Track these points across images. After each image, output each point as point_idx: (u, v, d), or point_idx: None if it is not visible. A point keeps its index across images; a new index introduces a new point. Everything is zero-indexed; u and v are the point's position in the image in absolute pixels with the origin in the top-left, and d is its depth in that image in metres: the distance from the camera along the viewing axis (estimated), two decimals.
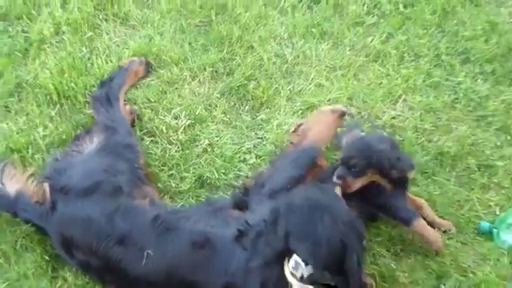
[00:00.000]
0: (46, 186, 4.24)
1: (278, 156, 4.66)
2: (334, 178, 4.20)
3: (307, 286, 3.55)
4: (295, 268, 3.52)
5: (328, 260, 3.52)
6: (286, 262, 3.61)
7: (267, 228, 3.76)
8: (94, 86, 4.99)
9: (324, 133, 4.58)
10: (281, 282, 3.62)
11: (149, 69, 5.18)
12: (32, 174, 4.48)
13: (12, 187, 4.35)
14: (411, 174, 4.42)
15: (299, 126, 4.75)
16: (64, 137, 4.75)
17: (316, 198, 3.72)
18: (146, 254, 3.87)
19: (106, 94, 4.78)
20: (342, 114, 4.70)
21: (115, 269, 3.94)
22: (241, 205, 4.26)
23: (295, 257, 3.54)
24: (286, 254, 3.62)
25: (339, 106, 4.80)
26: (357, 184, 4.20)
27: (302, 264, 3.50)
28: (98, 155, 4.41)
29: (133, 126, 4.87)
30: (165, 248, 3.91)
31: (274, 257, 3.66)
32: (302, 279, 3.52)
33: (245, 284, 3.75)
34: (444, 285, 4.32)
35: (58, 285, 4.19)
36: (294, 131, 4.75)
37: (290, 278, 3.57)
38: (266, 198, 4.14)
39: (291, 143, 4.70)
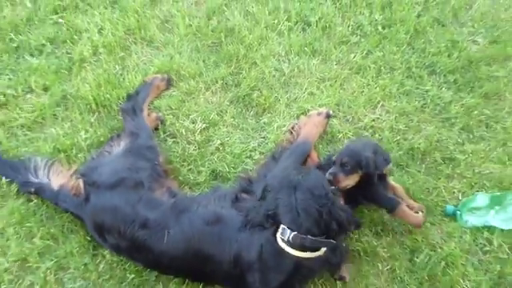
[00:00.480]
0: (81, 181, 4.37)
1: (277, 150, 4.74)
2: (327, 175, 4.27)
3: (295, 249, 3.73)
4: (283, 234, 3.70)
5: (307, 225, 3.70)
6: (278, 232, 3.77)
7: (259, 203, 3.97)
8: (124, 97, 5.03)
9: (313, 130, 4.79)
10: (274, 247, 3.80)
11: (169, 83, 5.22)
12: (75, 171, 4.56)
13: (57, 182, 4.47)
14: (389, 167, 4.54)
15: (293, 126, 4.89)
16: (102, 139, 4.81)
17: (295, 178, 3.87)
18: (166, 233, 4.01)
19: (132, 106, 4.85)
20: (327, 116, 4.94)
21: (141, 248, 4.06)
22: (247, 190, 4.39)
23: (282, 225, 3.72)
24: (277, 224, 3.80)
25: (324, 109, 4.99)
26: (346, 181, 4.27)
27: (288, 231, 3.68)
28: (123, 156, 4.50)
29: (157, 129, 4.94)
30: (182, 227, 4.04)
31: (267, 224, 3.85)
32: (289, 243, 3.70)
33: (248, 249, 3.90)
34: (417, 258, 4.41)
35: (97, 261, 4.28)
36: (290, 130, 4.88)
37: (280, 243, 3.75)
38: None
39: (287, 139, 4.81)
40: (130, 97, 4.97)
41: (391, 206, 4.43)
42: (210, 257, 4.00)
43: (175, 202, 4.26)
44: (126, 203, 4.16)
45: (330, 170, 4.30)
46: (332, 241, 3.81)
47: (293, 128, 4.90)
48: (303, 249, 3.75)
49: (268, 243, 3.87)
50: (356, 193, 4.33)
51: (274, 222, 3.83)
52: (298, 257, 3.77)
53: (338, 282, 4.28)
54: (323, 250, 3.80)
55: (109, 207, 4.18)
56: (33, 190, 4.45)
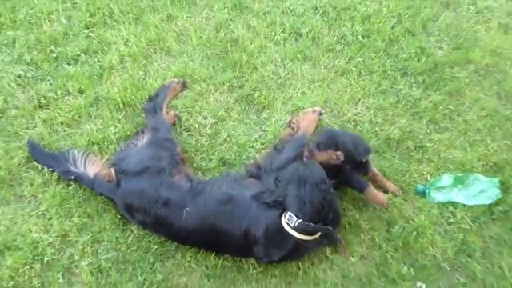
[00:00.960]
0: (113, 170, 4.44)
1: (278, 142, 4.78)
2: (305, 152, 4.45)
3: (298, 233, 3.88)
4: (290, 220, 3.87)
5: (311, 214, 3.86)
6: (283, 217, 3.90)
7: (271, 191, 4.09)
8: (147, 97, 5.07)
9: (309, 126, 4.82)
10: (279, 228, 3.94)
11: (184, 86, 5.24)
12: (106, 160, 4.62)
13: (92, 170, 4.53)
14: (370, 157, 4.61)
15: (289, 121, 4.94)
16: (128, 133, 4.86)
17: (302, 172, 4.02)
18: (185, 211, 4.09)
19: (153, 106, 4.89)
20: (320, 113, 4.99)
21: (163, 223, 4.16)
22: (254, 175, 4.46)
23: (289, 212, 3.85)
24: (283, 209, 3.94)
25: (318, 108, 5.04)
26: (320, 156, 4.37)
27: (295, 218, 3.83)
28: (147, 148, 4.56)
29: (175, 124, 4.98)
30: (198, 207, 4.13)
31: (276, 208, 4.02)
32: (294, 228, 3.82)
33: (256, 226, 3.99)
34: (393, 229, 4.48)
35: (126, 235, 4.34)
36: (288, 125, 4.93)
37: (285, 226, 3.88)
38: (274, 172, 4.33)
39: (288, 133, 4.85)
40: (150, 98, 5.00)
41: (360, 188, 4.54)
42: (223, 231, 4.09)
43: (192, 185, 4.33)
44: (150, 187, 4.24)
45: (308, 147, 4.49)
46: (329, 227, 3.97)
47: (291, 122, 4.93)
48: (304, 233, 3.91)
49: (274, 224, 4.01)
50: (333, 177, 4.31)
51: (281, 207, 4.00)
52: (298, 238, 3.92)
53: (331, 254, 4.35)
54: (318, 234, 3.97)
55: (136, 190, 4.27)
56: (72, 177, 4.49)
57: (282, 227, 3.94)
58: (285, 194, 4.01)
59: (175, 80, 5.22)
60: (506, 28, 6.14)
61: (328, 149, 4.39)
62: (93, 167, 4.58)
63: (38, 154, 4.67)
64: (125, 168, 4.40)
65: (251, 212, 4.08)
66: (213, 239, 4.17)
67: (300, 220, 3.87)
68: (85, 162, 4.58)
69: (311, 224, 3.88)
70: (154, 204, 4.17)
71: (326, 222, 3.96)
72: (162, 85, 5.16)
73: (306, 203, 3.92)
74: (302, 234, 3.91)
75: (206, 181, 4.58)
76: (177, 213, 4.13)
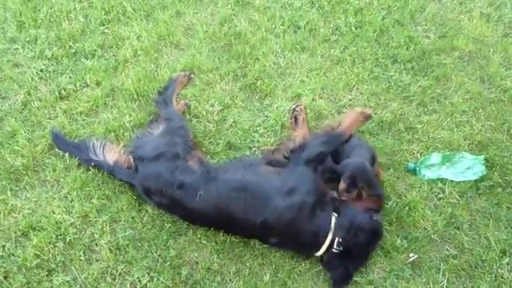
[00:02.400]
0: (131, 157, 4.40)
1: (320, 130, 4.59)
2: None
3: None
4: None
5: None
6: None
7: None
8: (159, 87, 5.02)
9: (352, 126, 4.40)
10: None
11: (191, 78, 5.19)
12: (123, 147, 4.56)
13: (111, 158, 4.47)
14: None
15: (293, 108, 4.68)
16: (142, 121, 4.79)
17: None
18: (198, 194, 4.02)
19: (163, 98, 4.83)
20: (368, 117, 4.54)
21: (178, 204, 4.10)
22: (272, 163, 4.33)
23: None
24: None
25: (369, 111, 4.55)
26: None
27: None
28: (161, 136, 4.51)
29: (184, 112, 4.92)
30: (211, 192, 4.05)
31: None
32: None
33: (278, 219, 3.96)
34: (387, 204, 4.42)
35: (142, 214, 4.28)
36: (291, 114, 4.67)
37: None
38: (302, 162, 4.17)
39: (325, 126, 4.52)
40: (160, 92, 4.94)
41: None
42: (236, 218, 4.02)
43: (206, 170, 4.25)
44: (166, 170, 4.19)
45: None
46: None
47: (294, 110, 4.64)
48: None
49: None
50: None
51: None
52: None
53: None
54: None
55: (153, 174, 4.21)
56: (93, 164, 4.45)
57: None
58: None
59: (182, 73, 5.17)
60: (487, 17, 6.19)
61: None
62: (111, 154, 4.51)
63: (61, 143, 4.61)
64: (141, 154, 4.36)
65: (273, 204, 3.96)
66: (224, 222, 4.13)
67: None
68: (103, 150, 4.52)
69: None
70: (169, 186, 4.11)
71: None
72: (170, 78, 5.10)
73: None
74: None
75: (221, 166, 4.52)
76: (191, 195, 4.07)
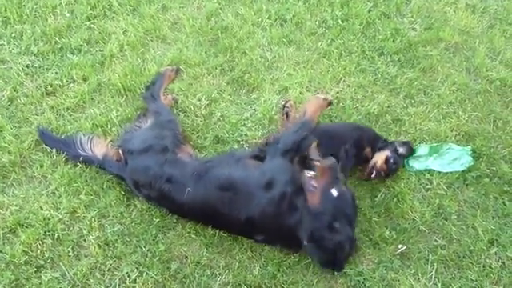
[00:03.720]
0: (120, 150, 4.39)
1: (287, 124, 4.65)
2: None
3: None
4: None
5: None
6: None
7: None
8: (146, 82, 5.02)
9: (316, 112, 4.47)
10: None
11: (178, 72, 5.18)
12: (110, 141, 4.55)
13: (99, 152, 4.46)
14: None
15: (283, 105, 4.76)
16: (129, 116, 4.77)
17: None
18: (187, 190, 4.02)
19: (151, 93, 4.83)
20: (330, 103, 4.68)
21: (166, 197, 4.10)
22: (258, 157, 4.30)
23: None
24: None
25: (330, 97, 4.76)
26: None
27: None
28: (150, 129, 4.51)
29: (172, 107, 4.90)
30: (199, 189, 4.04)
31: None
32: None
33: (261, 216, 3.96)
34: (376, 196, 4.45)
35: (130, 209, 4.26)
36: (282, 110, 4.76)
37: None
38: (279, 153, 4.18)
39: (293, 116, 4.67)
40: (148, 87, 4.93)
41: None
42: (222, 214, 4.02)
43: (195, 166, 4.22)
44: (155, 164, 4.19)
45: None
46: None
47: (284, 106, 4.75)
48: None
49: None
50: None
51: None
52: None
53: None
54: None
55: (142, 167, 4.21)
56: (81, 159, 4.42)
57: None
58: None
59: (169, 67, 5.16)
60: (473, 8, 6.22)
61: None
62: (99, 148, 4.50)
63: (48, 139, 4.58)
64: (130, 147, 4.35)
65: (255, 200, 3.95)
66: (212, 219, 4.14)
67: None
68: (91, 145, 4.50)
69: None
70: (158, 179, 4.11)
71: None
72: (158, 73, 5.09)
73: None
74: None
75: (210, 160, 4.46)
76: (179, 189, 4.07)
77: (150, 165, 4.19)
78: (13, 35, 5.41)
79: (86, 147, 4.48)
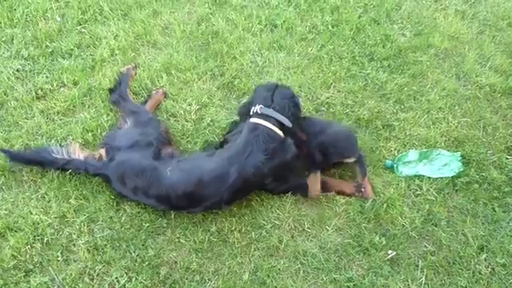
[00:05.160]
0: (103, 150, 4.38)
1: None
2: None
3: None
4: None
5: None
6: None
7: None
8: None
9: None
10: None
11: (136, 68, 5.25)
12: (84, 145, 4.60)
13: (81, 155, 4.40)
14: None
15: None
16: None
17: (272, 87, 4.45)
18: (167, 171, 4.13)
19: (119, 95, 4.83)
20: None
21: (154, 183, 4.12)
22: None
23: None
24: None
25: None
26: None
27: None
28: (133, 128, 4.52)
29: (161, 103, 5.02)
30: (175, 177, 4.12)
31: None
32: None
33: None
34: (365, 202, 4.42)
35: (120, 214, 4.21)
36: None
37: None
38: None
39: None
40: (113, 90, 4.92)
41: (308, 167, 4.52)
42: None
43: (175, 161, 4.29)
44: (140, 156, 4.23)
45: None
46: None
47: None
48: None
49: None
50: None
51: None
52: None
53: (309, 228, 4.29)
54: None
55: (128, 160, 4.22)
56: (61, 164, 4.34)
57: None
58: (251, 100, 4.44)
59: (130, 66, 5.18)
60: (462, 14, 6.24)
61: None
62: (79, 153, 4.44)
63: (19, 157, 4.44)
64: (117, 144, 4.36)
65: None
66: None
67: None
68: (69, 151, 4.43)
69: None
70: (144, 169, 4.14)
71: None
72: (120, 73, 5.08)
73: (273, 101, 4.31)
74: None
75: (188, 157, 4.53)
76: (162, 175, 4.13)
77: (137, 157, 4.22)
78: (3, 39, 5.40)
79: (64, 153, 4.40)
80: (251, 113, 4.26)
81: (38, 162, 4.40)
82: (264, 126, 4.19)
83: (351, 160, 4.50)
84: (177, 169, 4.16)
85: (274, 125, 4.21)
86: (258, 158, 4.10)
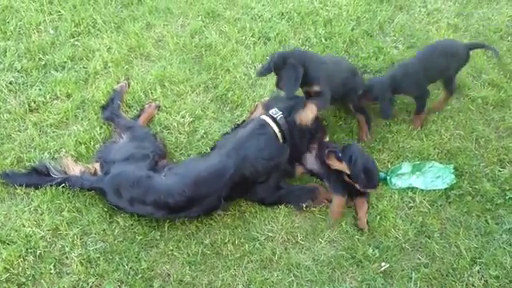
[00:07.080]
0: (97, 164, 4.43)
1: None
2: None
3: None
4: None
5: None
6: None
7: None
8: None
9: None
10: None
11: (129, 84, 5.24)
12: (77, 158, 4.62)
13: (76, 169, 4.44)
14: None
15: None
16: None
17: None
18: (163, 176, 4.22)
19: (112, 112, 4.85)
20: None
21: (150, 190, 4.16)
22: None
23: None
24: None
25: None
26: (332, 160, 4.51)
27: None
28: (129, 142, 4.57)
29: (154, 116, 5.03)
30: (171, 180, 4.21)
31: None
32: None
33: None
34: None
35: (113, 227, 4.23)
36: None
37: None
38: None
39: None
40: (105, 107, 4.94)
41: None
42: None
43: (169, 167, 4.40)
44: (135, 167, 4.28)
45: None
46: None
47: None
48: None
49: None
50: None
51: None
52: None
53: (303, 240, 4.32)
54: None
55: (123, 171, 4.26)
56: (59, 181, 4.36)
57: None
58: None
59: (123, 83, 5.18)
60: (454, 28, 6.18)
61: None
62: (73, 167, 4.47)
63: (15, 177, 4.45)
64: (112, 158, 4.41)
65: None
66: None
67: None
68: (63, 166, 4.48)
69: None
70: (139, 178, 4.19)
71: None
72: (114, 90, 5.10)
73: None
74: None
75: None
76: (159, 182, 4.20)
77: (132, 169, 4.27)
78: None
79: (59, 170, 4.44)
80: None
81: (36, 184, 4.41)
82: (272, 128, 4.46)
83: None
84: (171, 173, 4.24)
85: (280, 131, 4.44)
86: (257, 157, 4.31)
